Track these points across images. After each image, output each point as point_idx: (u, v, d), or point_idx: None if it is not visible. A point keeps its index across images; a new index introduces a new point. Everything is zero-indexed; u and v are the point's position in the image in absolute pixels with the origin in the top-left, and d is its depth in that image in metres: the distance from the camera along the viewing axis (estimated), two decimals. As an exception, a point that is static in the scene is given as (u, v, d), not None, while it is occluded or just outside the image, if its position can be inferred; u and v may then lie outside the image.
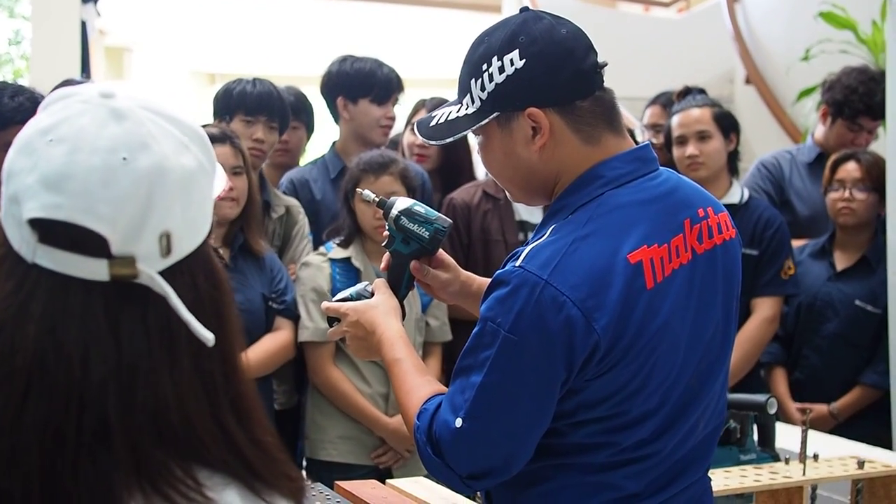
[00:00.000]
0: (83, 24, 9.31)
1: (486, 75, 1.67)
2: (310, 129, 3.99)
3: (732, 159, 3.61)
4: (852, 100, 3.80)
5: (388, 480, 2.35)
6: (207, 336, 0.99)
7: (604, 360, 1.54)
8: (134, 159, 0.97)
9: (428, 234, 1.89)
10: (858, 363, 3.51)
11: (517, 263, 1.56)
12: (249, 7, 11.58)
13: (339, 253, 3.23)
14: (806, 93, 4.64)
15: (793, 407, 3.50)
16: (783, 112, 5.81)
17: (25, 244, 0.97)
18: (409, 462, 3.24)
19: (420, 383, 1.72)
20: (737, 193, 3.54)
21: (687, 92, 3.86)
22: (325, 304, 1.94)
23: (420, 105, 4.07)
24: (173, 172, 0.99)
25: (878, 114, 3.73)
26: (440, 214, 1.92)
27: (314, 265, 3.23)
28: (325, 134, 4.09)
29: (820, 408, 3.48)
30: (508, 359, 1.53)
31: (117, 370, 0.96)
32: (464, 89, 1.72)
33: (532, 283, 1.52)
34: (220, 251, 2.91)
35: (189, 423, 0.99)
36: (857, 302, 3.50)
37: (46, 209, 0.95)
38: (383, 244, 1.96)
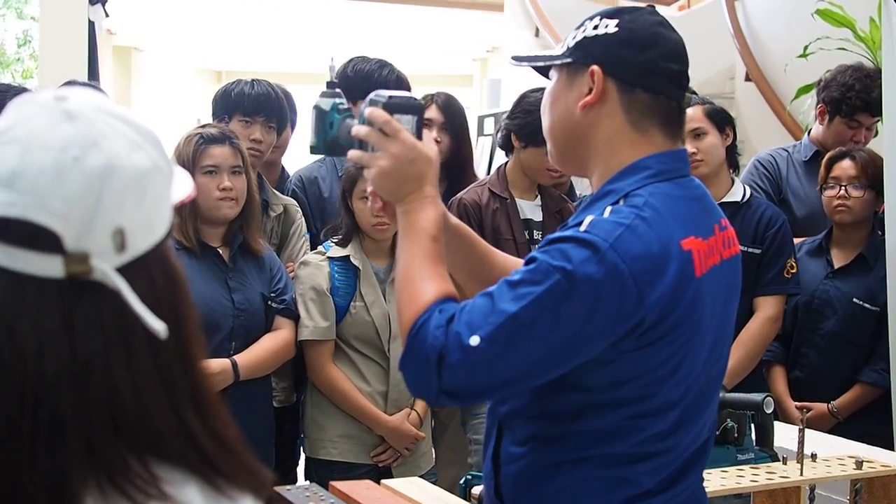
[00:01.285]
0: (91, 25, 9.34)
1: (581, 29, 1.75)
2: (292, 125, 3.98)
3: (731, 154, 3.60)
4: (849, 97, 3.79)
5: (382, 481, 2.36)
6: (160, 327, 1.00)
7: (644, 336, 1.56)
8: (85, 157, 0.98)
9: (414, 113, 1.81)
10: (857, 361, 3.51)
11: (581, 229, 1.57)
12: (256, 5, 11.59)
13: (337, 251, 3.24)
14: (805, 90, 4.64)
15: (792, 405, 3.49)
16: (783, 108, 5.79)
17: None
18: (409, 460, 3.26)
19: (440, 274, 1.65)
20: (738, 192, 3.53)
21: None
22: (380, 113, 1.73)
23: (429, 101, 4.06)
24: (125, 170, 1.00)
25: (875, 110, 3.72)
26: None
27: (313, 264, 3.24)
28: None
29: (820, 406, 3.47)
30: (552, 301, 1.51)
31: (72, 365, 0.97)
32: (564, 39, 1.80)
33: (596, 245, 1.53)
34: (220, 250, 2.97)
35: (146, 417, 0.99)
36: (855, 300, 3.49)
37: (0, 206, 0.97)
38: None
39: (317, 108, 1.85)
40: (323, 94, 1.86)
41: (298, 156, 3.93)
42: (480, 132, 8.80)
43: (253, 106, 3.47)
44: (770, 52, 6.32)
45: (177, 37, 14.16)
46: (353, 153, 1.77)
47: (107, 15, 9.76)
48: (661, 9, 6.39)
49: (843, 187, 3.50)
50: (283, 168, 4.06)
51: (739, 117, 4.25)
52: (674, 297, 1.57)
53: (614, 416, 1.63)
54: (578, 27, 1.77)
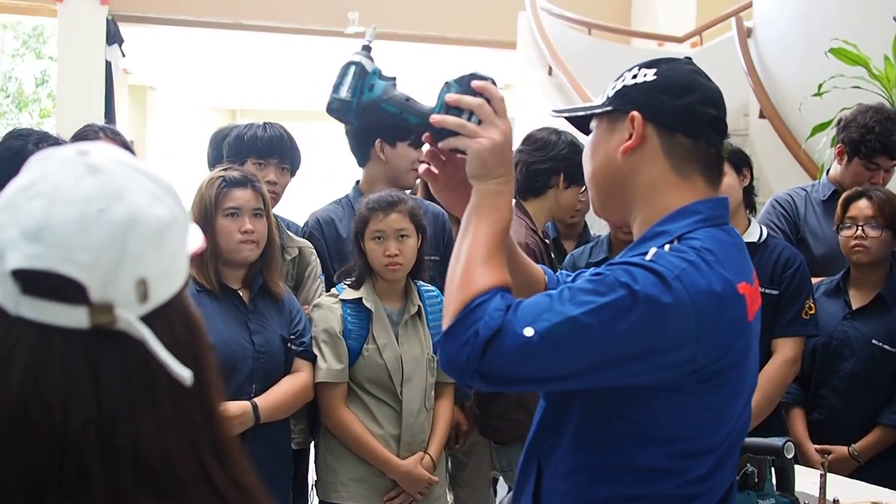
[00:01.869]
0: (108, 65, 9.49)
1: (620, 80, 1.80)
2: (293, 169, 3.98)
3: (748, 195, 3.59)
4: (868, 139, 3.77)
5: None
6: (185, 374, 1.02)
7: (696, 374, 1.58)
8: (109, 209, 1.01)
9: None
10: (878, 403, 3.47)
11: (647, 258, 1.59)
12: (269, 45, 11.69)
13: (350, 294, 3.24)
14: (820, 128, 4.63)
15: (812, 449, 3.46)
16: (798, 146, 5.79)
17: (9, 297, 1.01)
18: (421, 504, 3.23)
19: (503, 263, 1.66)
20: (755, 232, 3.51)
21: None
22: (495, 89, 1.72)
23: None
24: (147, 222, 1.03)
25: (894, 153, 3.72)
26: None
27: (325, 306, 3.23)
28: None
29: (840, 449, 3.43)
30: (613, 314, 1.52)
31: (97, 415, 0.99)
32: (603, 92, 1.84)
33: (662, 274, 1.55)
34: (241, 293, 2.97)
35: (170, 465, 1.02)
36: (874, 341, 3.46)
37: (28, 259, 0.99)
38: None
39: (357, 65, 1.75)
40: (362, 55, 1.76)
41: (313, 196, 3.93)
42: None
43: (266, 148, 3.51)
44: (784, 90, 6.33)
45: (191, 76, 14.29)
46: (455, 121, 1.71)
47: (123, 55, 9.90)
48: (674, 46, 6.47)
49: (859, 227, 3.48)
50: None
51: (754, 154, 4.24)
52: (730, 338, 1.60)
53: (661, 453, 1.64)
54: (617, 78, 1.81)
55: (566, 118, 1.92)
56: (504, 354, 1.51)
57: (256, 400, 2.99)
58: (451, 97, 1.72)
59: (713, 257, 1.61)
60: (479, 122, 1.70)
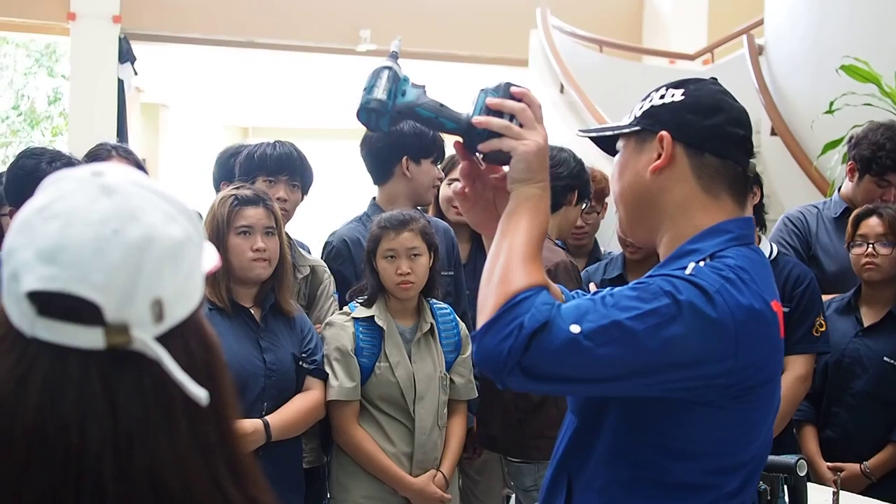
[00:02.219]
0: (120, 83, 9.53)
1: (648, 99, 1.81)
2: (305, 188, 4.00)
3: (758, 213, 3.60)
4: (880, 156, 3.77)
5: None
6: (201, 394, 1.03)
7: (732, 388, 1.59)
8: (124, 230, 1.02)
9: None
10: (890, 420, 3.46)
11: (686, 272, 1.61)
12: (281, 63, 11.72)
13: (362, 312, 3.25)
14: (831, 145, 4.63)
15: (824, 466, 3.46)
16: (810, 163, 5.79)
17: (25, 318, 1.02)
18: (434, 522, 3.23)
19: (542, 264, 1.67)
20: (765, 250, 3.51)
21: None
22: (534, 97, 1.76)
23: (457, 160, 4.09)
24: (161, 242, 1.04)
25: None
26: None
27: (338, 325, 3.24)
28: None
29: (852, 467, 3.43)
30: (657, 321, 1.53)
31: (114, 435, 0.99)
32: (631, 111, 1.85)
33: (704, 288, 1.57)
34: (252, 311, 2.98)
35: (186, 485, 1.02)
36: (886, 358, 3.45)
37: (43, 280, 0.99)
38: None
39: (390, 70, 1.75)
40: (392, 62, 1.77)
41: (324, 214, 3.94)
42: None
43: (276, 166, 3.53)
44: (795, 107, 6.33)
45: (204, 94, 14.32)
46: (500, 122, 1.72)
47: (136, 73, 9.94)
48: (685, 63, 6.47)
49: (870, 245, 3.49)
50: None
51: (765, 172, 4.23)
52: (765, 355, 1.63)
53: (695, 468, 1.65)
54: (644, 98, 1.82)
55: (591, 138, 1.93)
56: (549, 349, 1.51)
57: (268, 418, 3.00)
58: (493, 101, 1.74)
59: (747, 276, 1.63)
60: (521, 126, 1.72)
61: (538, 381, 1.56)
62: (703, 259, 1.66)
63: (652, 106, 1.79)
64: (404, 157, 3.71)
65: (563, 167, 3.65)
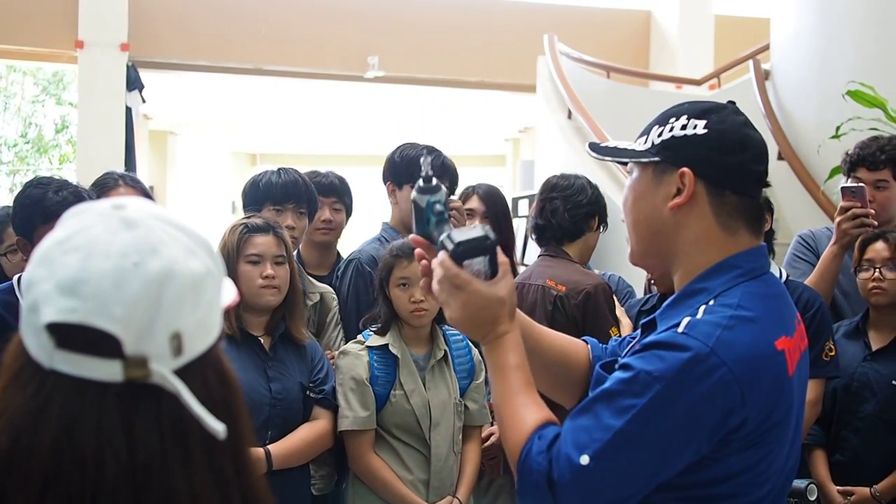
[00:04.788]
0: (128, 110, 9.56)
1: (668, 126, 1.75)
2: (349, 210, 4.06)
3: (769, 239, 3.62)
4: (847, 158, 3.83)
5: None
6: (219, 428, 1.02)
7: (749, 437, 1.58)
8: (144, 263, 1.01)
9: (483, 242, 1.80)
10: (899, 444, 3.48)
11: (679, 331, 1.59)
12: (289, 89, 11.76)
13: (376, 340, 3.25)
14: (838, 170, 4.63)
15: (834, 490, 3.46)
16: (817, 188, 5.80)
17: (43, 350, 1.01)
18: (451, 549, 3.22)
19: (533, 402, 1.69)
20: (775, 274, 3.52)
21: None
22: (448, 265, 1.71)
23: (470, 192, 4.12)
24: (182, 275, 1.03)
25: (875, 165, 3.71)
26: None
27: (352, 353, 3.24)
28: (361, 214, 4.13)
29: (862, 490, 3.43)
30: (656, 413, 1.53)
31: (130, 468, 0.99)
32: (644, 132, 1.81)
33: (697, 349, 1.55)
34: (262, 339, 2.99)
35: None
36: (894, 382, 3.46)
37: (62, 313, 0.99)
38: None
39: (414, 203, 1.85)
40: (421, 190, 1.84)
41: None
42: (515, 214, 8.83)
43: (282, 194, 3.54)
44: (802, 132, 6.35)
45: (212, 121, 14.35)
46: (435, 287, 1.76)
47: (143, 101, 9.98)
48: (692, 88, 6.48)
49: (877, 269, 3.50)
50: (338, 252, 4.12)
51: (773, 196, 4.23)
52: (773, 397, 1.60)
53: None
54: (662, 123, 1.78)
55: (593, 153, 1.88)
56: (572, 491, 1.54)
57: (270, 447, 2.99)
58: (433, 286, 1.77)
59: (750, 313, 1.62)
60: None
61: None
62: (711, 299, 1.65)
63: (673, 137, 1.74)
64: (388, 183, 3.78)
65: (581, 195, 3.71)
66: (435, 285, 1.75)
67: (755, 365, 1.58)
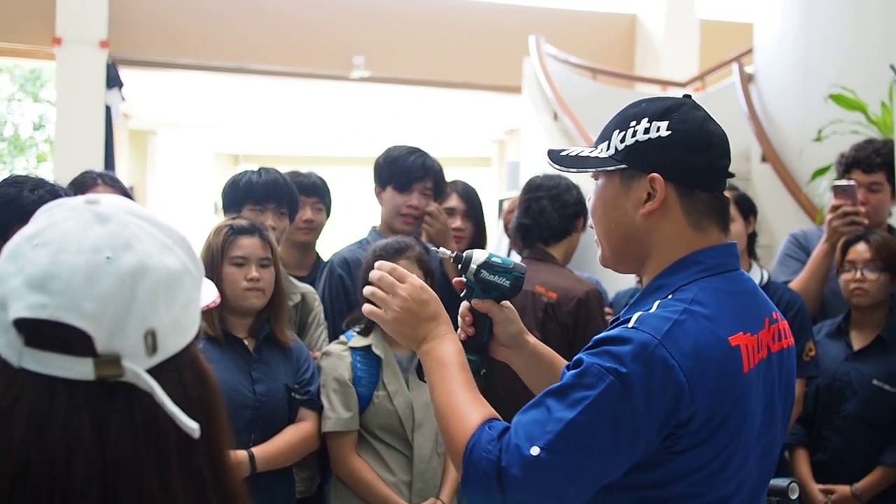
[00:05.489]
0: (107, 109, 9.46)
1: (630, 130, 1.73)
2: (329, 211, 4.05)
3: (752, 242, 3.64)
4: (840, 160, 3.85)
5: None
6: (193, 426, 1.00)
7: (698, 433, 1.57)
8: (118, 258, 0.99)
9: (508, 282, 1.94)
10: (880, 443, 3.48)
11: (629, 325, 1.59)
12: (271, 90, 11.71)
13: (359, 341, 3.24)
14: (820, 172, 4.67)
15: (816, 489, 3.49)
16: (799, 190, 5.84)
17: (12, 348, 0.99)
18: (434, 552, 3.21)
19: (479, 400, 1.69)
20: (756, 276, 3.55)
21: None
22: (382, 262, 1.88)
23: (448, 190, 4.10)
24: (157, 271, 1.01)
25: (870, 167, 3.75)
26: (515, 262, 1.97)
27: (335, 354, 3.23)
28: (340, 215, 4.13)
29: (843, 489, 3.46)
30: (608, 403, 1.53)
31: (101, 469, 0.96)
32: (604, 137, 1.79)
33: (645, 341, 1.55)
34: (246, 341, 2.96)
35: None
36: (875, 381, 3.48)
37: (32, 309, 0.97)
38: (461, 294, 1.98)
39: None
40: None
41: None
42: (500, 215, 8.82)
43: (262, 194, 3.52)
44: (785, 135, 6.39)
45: (193, 121, 14.26)
46: (366, 308, 1.85)
47: (123, 99, 9.89)
48: (676, 90, 6.52)
49: (859, 270, 3.53)
50: (317, 254, 4.12)
51: (756, 198, 4.26)
52: (722, 392, 1.59)
53: None
54: (622, 127, 1.75)
55: (554, 163, 1.86)
56: (521, 482, 1.53)
57: (254, 449, 2.96)
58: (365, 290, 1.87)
59: (704, 309, 1.62)
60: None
61: None
62: (668, 294, 1.66)
63: (637, 142, 1.72)
64: (375, 185, 3.79)
65: (568, 195, 3.71)
66: (368, 288, 1.83)
67: (703, 358, 1.57)
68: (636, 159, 1.72)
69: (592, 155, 1.80)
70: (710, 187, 1.74)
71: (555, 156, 1.86)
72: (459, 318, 1.96)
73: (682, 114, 1.72)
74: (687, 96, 1.81)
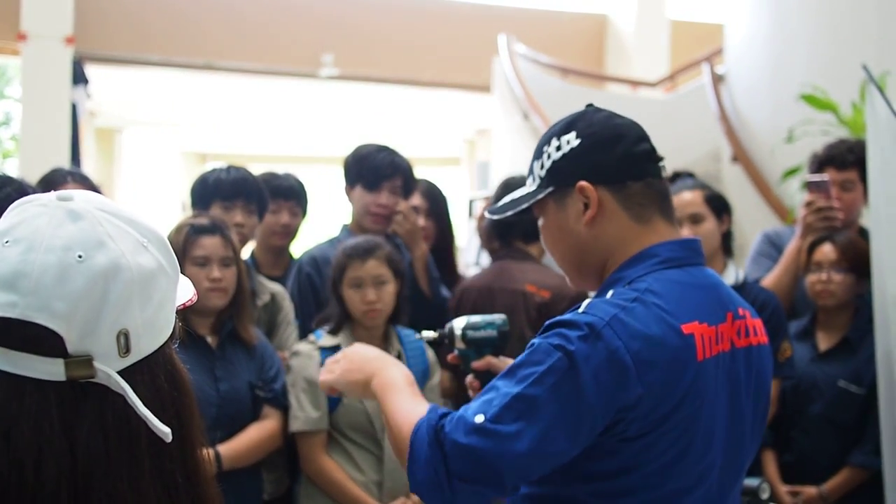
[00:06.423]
0: (73, 106, 9.37)
1: (545, 155, 1.81)
2: (305, 213, 4.02)
3: (727, 241, 3.63)
4: (814, 157, 3.86)
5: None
6: (165, 430, 0.98)
7: (647, 417, 1.58)
8: (90, 257, 0.97)
9: (495, 331, 2.03)
10: (846, 444, 3.50)
11: (580, 311, 1.62)
12: (239, 89, 11.66)
13: (328, 340, 3.22)
14: (791, 172, 4.69)
15: (783, 490, 3.50)
16: (770, 190, 5.86)
17: None
18: (405, 551, 3.20)
19: (422, 402, 1.73)
20: (732, 275, 3.55)
21: (676, 176, 3.88)
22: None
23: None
24: (130, 271, 0.99)
25: (844, 164, 3.75)
26: (492, 315, 2.06)
27: (304, 354, 3.21)
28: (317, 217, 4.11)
29: (810, 490, 3.47)
30: (554, 379, 1.54)
31: (71, 472, 0.94)
32: (529, 173, 1.85)
33: (592, 322, 1.57)
34: (208, 339, 2.93)
35: None
36: (841, 383, 3.49)
37: (1, 308, 0.95)
38: (461, 368, 2.07)
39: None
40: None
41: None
42: (471, 214, 8.81)
43: (231, 190, 3.50)
44: (756, 135, 6.41)
45: (160, 119, 14.21)
46: (321, 380, 2.06)
47: (89, 96, 9.80)
48: (647, 91, 6.53)
49: (825, 271, 3.53)
50: (290, 254, 4.10)
51: (726, 198, 4.26)
52: (672, 378, 1.59)
53: (628, 501, 1.64)
54: (538, 156, 1.83)
55: (496, 216, 1.92)
56: (464, 450, 1.53)
57: (220, 447, 2.94)
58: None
59: (656, 298, 1.64)
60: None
61: (481, 482, 1.55)
62: (624, 285, 1.68)
63: (553, 162, 1.78)
64: (345, 184, 3.76)
65: None
66: (323, 375, 2.00)
67: (651, 341, 1.58)
68: (559, 177, 1.78)
69: (523, 193, 1.86)
70: (638, 175, 1.76)
71: (493, 210, 1.94)
72: (469, 389, 2.00)
73: (585, 120, 1.79)
74: (589, 105, 1.85)
